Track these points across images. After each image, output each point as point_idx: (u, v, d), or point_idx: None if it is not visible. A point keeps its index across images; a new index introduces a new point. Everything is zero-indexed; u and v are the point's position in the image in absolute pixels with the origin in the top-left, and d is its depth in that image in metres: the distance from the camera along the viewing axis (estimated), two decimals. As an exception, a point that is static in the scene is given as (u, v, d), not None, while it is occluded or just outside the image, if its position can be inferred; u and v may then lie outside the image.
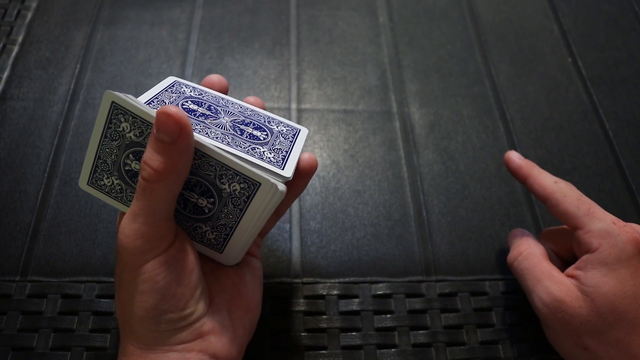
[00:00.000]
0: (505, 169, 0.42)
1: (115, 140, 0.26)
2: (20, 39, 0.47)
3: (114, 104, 0.25)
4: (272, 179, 0.25)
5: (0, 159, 0.40)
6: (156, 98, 0.28)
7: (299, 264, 0.37)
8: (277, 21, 0.50)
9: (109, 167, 0.27)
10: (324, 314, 0.35)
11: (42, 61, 0.46)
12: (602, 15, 0.53)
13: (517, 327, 0.35)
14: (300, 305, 0.35)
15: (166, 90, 0.28)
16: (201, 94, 0.30)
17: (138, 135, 0.25)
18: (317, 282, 0.36)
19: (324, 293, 0.35)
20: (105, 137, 0.26)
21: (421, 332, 0.34)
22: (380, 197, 0.40)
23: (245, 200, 0.26)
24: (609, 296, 0.28)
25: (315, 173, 0.41)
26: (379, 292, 0.36)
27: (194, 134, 0.24)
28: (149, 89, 0.28)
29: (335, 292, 0.36)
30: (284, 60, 0.48)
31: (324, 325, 0.34)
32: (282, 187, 0.25)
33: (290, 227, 0.38)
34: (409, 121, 0.44)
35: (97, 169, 0.27)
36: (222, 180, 0.25)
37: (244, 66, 0.47)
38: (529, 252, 0.32)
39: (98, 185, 0.27)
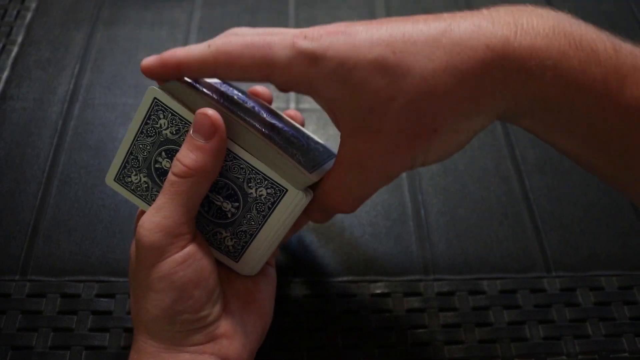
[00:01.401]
0: (504, 169, 0.42)
1: (151, 136, 0.26)
2: (19, 39, 0.47)
3: (155, 100, 0.25)
4: (298, 189, 0.25)
5: (0, 158, 0.40)
6: (203, 83, 0.27)
7: (298, 263, 0.37)
8: (276, 21, 0.50)
9: (139, 164, 0.27)
10: (323, 313, 0.35)
11: (41, 61, 0.46)
12: (600, 16, 0.53)
13: (515, 326, 0.35)
14: (300, 305, 0.35)
15: (215, 83, 0.29)
16: (248, 97, 0.30)
17: (174, 132, 0.26)
18: (316, 282, 0.36)
19: (323, 292, 0.36)
20: (142, 132, 0.26)
21: (419, 330, 0.34)
22: (378, 197, 0.40)
23: (270, 206, 0.26)
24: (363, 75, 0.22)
25: (314, 173, 0.41)
26: (377, 291, 0.36)
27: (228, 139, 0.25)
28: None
29: (334, 291, 0.36)
30: (283, 61, 0.48)
31: (322, 324, 0.34)
32: (307, 194, 0.26)
33: (289, 227, 0.38)
34: (407, 121, 0.45)
35: (127, 165, 0.27)
36: (249, 184, 0.26)
37: (243, 66, 0.47)
38: None
39: (125, 182, 0.28)
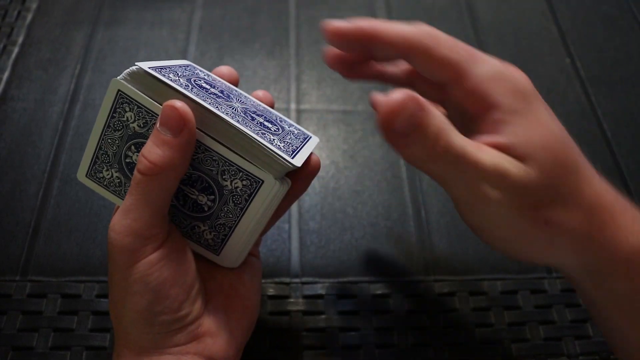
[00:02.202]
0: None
1: (118, 130, 0.25)
2: (20, 39, 0.47)
3: (119, 92, 0.24)
4: (277, 177, 0.24)
5: (1, 159, 0.40)
6: (169, 69, 0.26)
7: (298, 263, 0.37)
8: (276, 22, 0.50)
9: (109, 159, 0.26)
10: (323, 313, 0.35)
11: (42, 62, 0.46)
12: (600, 16, 0.53)
13: (515, 327, 0.35)
14: (300, 304, 0.35)
15: (180, 67, 0.28)
16: (214, 80, 0.29)
17: (142, 125, 0.25)
18: (316, 282, 0.36)
19: (323, 293, 0.36)
20: (109, 126, 0.25)
21: (420, 331, 0.34)
22: (379, 197, 0.40)
23: (247, 198, 0.25)
24: (545, 146, 0.23)
25: (315, 173, 0.41)
26: (377, 292, 0.36)
27: (198, 130, 0.24)
28: None
29: (334, 291, 0.36)
30: (284, 61, 0.48)
31: (322, 324, 0.34)
32: (284, 183, 0.25)
33: (290, 227, 0.38)
34: (408, 121, 0.44)
35: (97, 160, 0.26)
36: (224, 177, 0.25)
37: (243, 67, 0.47)
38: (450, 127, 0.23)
39: (97, 177, 0.27)
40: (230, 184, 0.25)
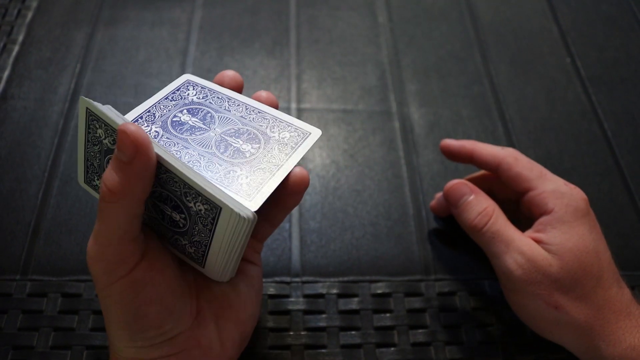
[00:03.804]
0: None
1: (96, 145, 0.25)
2: (20, 38, 0.47)
3: (88, 110, 0.24)
4: (235, 206, 0.23)
5: (1, 158, 0.40)
6: (157, 104, 0.27)
7: (298, 262, 0.37)
8: (277, 21, 0.50)
9: (96, 170, 0.26)
10: (323, 312, 0.35)
11: (42, 61, 0.46)
12: (600, 16, 0.53)
13: (515, 326, 0.35)
14: (300, 304, 0.35)
15: (169, 95, 0.28)
16: (206, 96, 0.29)
17: (112, 142, 0.24)
18: (316, 281, 0.36)
19: (324, 292, 0.36)
20: (88, 141, 0.25)
21: (420, 331, 0.34)
22: (379, 197, 0.40)
23: (211, 221, 0.24)
24: (574, 252, 0.29)
25: (315, 172, 0.41)
26: (378, 291, 0.36)
27: (160, 150, 0.23)
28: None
29: (335, 291, 0.36)
30: (284, 60, 0.48)
31: (323, 324, 0.34)
32: (246, 214, 0.23)
33: (290, 227, 0.38)
34: (408, 121, 0.45)
35: (88, 169, 0.27)
36: (187, 198, 0.24)
37: (243, 66, 0.47)
38: (497, 214, 0.32)
39: (92, 185, 0.27)
40: (195, 206, 0.24)
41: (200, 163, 0.25)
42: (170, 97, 0.28)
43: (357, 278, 0.36)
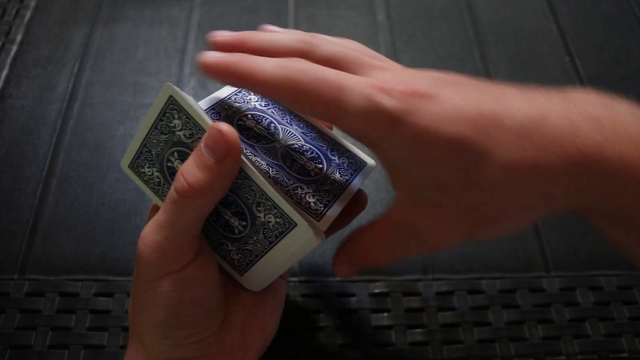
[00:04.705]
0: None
1: (165, 134, 0.25)
2: (19, 37, 0.47)
3: (171, 98, 0.24)
4: (310, 225, 0.23)
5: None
6: (220, 103, 0.26)
7: (296, 262, 0.37)
8: (276, 20, 0.50)
9: (152, 157, 0.26)
10: (321, 312, 0.35)
11: (41, 60, 0.46)
12: (600, 15, 0.53)
13: (514, 326, 0.35)
14: (298, 303, 0.35)
15: (232, 96, 0.27)
16: (267, 105, 0.28)
17: (188, 136, 0.24)
18: (314, 281, 0.36)
19: (322, 291, 0.35)
20: (156, 128, 0.25)
21: (418, 330, 0.34)
22: (377, 196, 0.40)
23: (277, 235, 0.24)
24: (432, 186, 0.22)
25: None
26: (376, 291, 0.36)
27: (242, 157, 0.23)
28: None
29: (333, 290, 0.36)
30: (283, 60, 0.48)
31: (321, 323, 0.34)
32: (319, 234, 0.24)
33: (288, 226, 0.38)
34: (407, 120, 0.44)
35: (140, 155, 0.26)
36: (258, 208, 0.24)
37: (242, 65, 0.47)
38: None
39: (138, 171, 0.26)
40: (264, 217, 0.24)
41: (269, 173, 0.25)
42: (233, 99, 0.27)
43: (355, 278, 0.36)
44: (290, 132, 0.27)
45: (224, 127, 0.22)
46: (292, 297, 0.35)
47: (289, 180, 0.25)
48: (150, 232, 0.23)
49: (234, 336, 0.26)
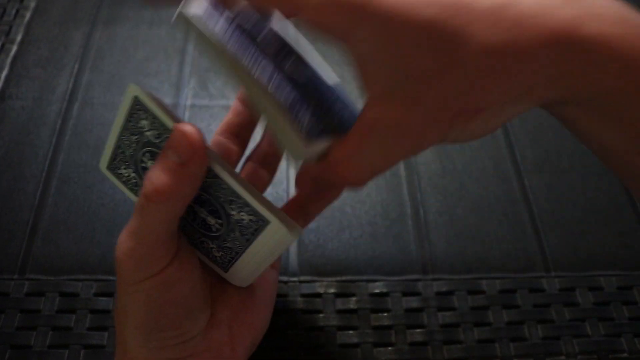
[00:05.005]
0: (503, 168, 0.42)
1: (135, 135, 0.24)
2: (19, 38, 0.47)
3: (136, 98, 0.23)
4: (283, 221, 0.23)
5: (-1, 157, 0.40)
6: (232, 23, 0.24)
7: (296, 262, 0.37)
8: (275, 20, 0.50)
9: (126, 159, 0.25)
10: (320, 312, 0.35)
11: (40, 60, 0.46)
12: (600, 15, 0.53)
13: (514, 326, 0.35)
14: (297, 303, 0.35)
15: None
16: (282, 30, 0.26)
17: (156, 136, 0.24)
18: (314, 281, 0.36)
19: (321, 291, 0.36)
20: (126, 129, 0.24)
21: (418, 330, 0.34)
22: (377, 196, 0.40)
23: (253, 232, 0.24)
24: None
25: (313, 172, 0.41)
26: (375, 291, 0.36)
27: (212, 154, 0.23)
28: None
29: (332, 290, 0.36)
30: (282, 60, 0.48)
31: (320, 323, 0.34)
32: (294, 229, 0.24)
33: (288, 226, 0.38)
34: (406, 120, 0.44)
35: (116, 157, 0.26)
36: (231, 206, 0.24)
37: (242, 65, 0.47)
38: None
39: (116, 172, 0.26)
40: (237, 215, 0.24)
41: (273, 85, 0.23)
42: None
43: (355, 277, 0.36)
44: (298, 61, 0.26)
45: (187, 128, 0.21)
46: (292, 297, 0.35)
47: (289, 96, 0.23)
48: (124, 239, 0.23)
49: (221, 334, 0.26)
